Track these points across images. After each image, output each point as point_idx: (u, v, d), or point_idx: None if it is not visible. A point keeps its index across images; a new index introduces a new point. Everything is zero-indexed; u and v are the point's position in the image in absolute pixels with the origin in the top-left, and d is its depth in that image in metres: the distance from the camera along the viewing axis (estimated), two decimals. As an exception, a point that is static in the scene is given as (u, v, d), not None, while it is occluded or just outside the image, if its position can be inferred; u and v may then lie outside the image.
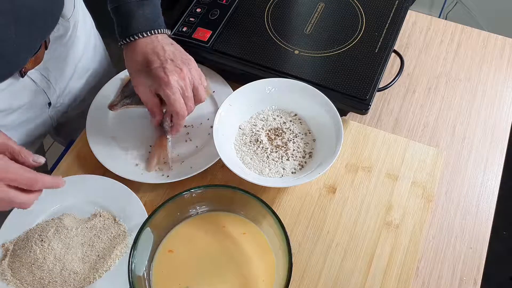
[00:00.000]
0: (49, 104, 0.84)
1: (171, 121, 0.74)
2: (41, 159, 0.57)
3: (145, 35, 0.69)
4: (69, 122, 0.94)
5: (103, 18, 0.98)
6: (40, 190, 0.57)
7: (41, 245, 0.68)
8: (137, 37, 0.69)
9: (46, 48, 0.77)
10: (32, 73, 0.77)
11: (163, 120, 0.75)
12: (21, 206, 0.56)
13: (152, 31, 0.69)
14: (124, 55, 0.72)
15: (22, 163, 0.55)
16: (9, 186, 0.53)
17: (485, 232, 0.73)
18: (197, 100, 0.72)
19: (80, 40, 0.87)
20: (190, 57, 0.72)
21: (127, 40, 0.69)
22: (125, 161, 0.76)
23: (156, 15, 0.71)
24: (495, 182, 0.78)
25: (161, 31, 0.70)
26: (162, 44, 0.69)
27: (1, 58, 0.66)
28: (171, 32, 0.88)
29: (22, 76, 0.74)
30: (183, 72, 0.68)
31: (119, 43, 0.71)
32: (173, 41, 0.73)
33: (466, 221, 0.74)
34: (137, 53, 0.69)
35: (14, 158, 0.55)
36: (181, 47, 0.73)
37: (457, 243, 0.72)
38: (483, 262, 0.70)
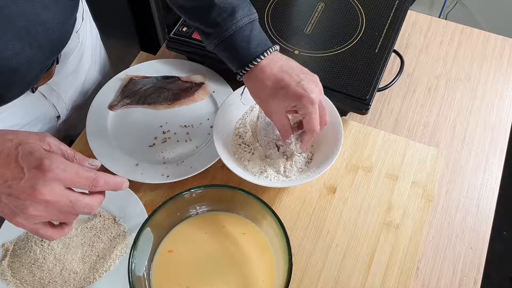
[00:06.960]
0: (58, 117, 0.83)
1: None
2: (97, 163, 0.52)
3: (265, 55, 0.63)
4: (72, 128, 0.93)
5: (103, 16, 0.97)
6: (103, 193, 0.51)
7: (41, 245, 0.68)
8: (259, 60, 0.63)
9: (57, 62, 0.76)
10: (43, 87, 0.76)
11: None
12: (84, 210, 0.48)
13: (269, 50, 0.64)
14: (248, 87, 0.67)
15: None
16: (69, 188, 0.47)
17: (485, 232, 0.73)
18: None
19: (88, 51, 0.86)
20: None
21: (249, 67, 0.64)
22: (125, 161, 0.76)
23: (262, 31, 0.67)
24: (495, 182, 0.78)
25: (274, 48, 0.65)
26: (286, 61, 0.64)
27: (15, 76, 0.64)
28: (171, 32, 0.88)
29: (33, 92, 0.73)
30: (318, 85, 0.63)
31: (238, 76, 0.66)
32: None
33: (466, 221, 0.74)
34: (265, 78, 0.63)
35: None
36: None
37: (457, 243, 0.72)
38: (483, 262, 0.70)
